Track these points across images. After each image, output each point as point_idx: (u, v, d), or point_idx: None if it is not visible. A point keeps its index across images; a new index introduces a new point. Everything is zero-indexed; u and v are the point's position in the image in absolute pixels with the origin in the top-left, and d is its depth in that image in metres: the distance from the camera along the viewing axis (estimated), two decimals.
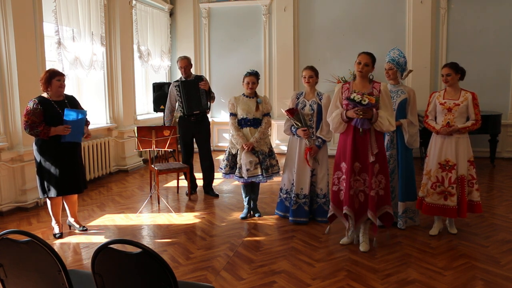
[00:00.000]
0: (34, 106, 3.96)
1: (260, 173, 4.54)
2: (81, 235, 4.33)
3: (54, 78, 4.03)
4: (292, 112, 4.39)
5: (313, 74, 4.53)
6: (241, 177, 4.57)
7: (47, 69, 4.64)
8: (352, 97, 3.61)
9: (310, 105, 4.50)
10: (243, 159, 4.51)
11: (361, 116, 3.60)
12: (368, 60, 3.73)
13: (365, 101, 3.54)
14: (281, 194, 4.75)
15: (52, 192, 4.09)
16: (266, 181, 4.66)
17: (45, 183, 4.10)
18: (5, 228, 4.10)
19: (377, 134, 3.75)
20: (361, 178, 3.78)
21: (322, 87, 7.87)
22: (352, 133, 3.73)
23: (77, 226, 4.42)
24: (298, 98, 4.58)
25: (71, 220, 4.46)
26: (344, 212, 3.80)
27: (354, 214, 3.80)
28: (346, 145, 3.79)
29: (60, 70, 5.58)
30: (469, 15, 7.99)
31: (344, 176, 3.82)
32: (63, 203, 4.38)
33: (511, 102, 7.92)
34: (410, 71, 4.54)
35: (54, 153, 4.06)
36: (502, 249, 3.86)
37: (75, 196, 4.40)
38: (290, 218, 4.59)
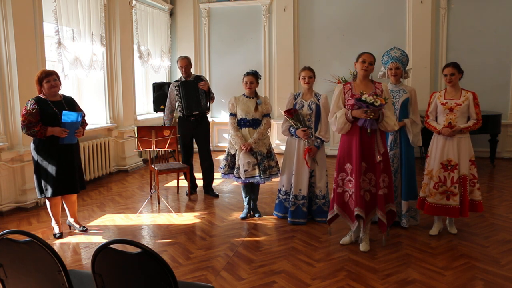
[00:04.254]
0: (31, 106, 3.96)
1: (257, 174, 4.53)
2: (81, 235, 4.33)
3: (43, 81, 4.02)
4: (291, 113, 4.38)
5: (312, 74, 4.54)
6: (239, 177, 4.57)
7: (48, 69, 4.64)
8: (363, 98, 3.56)
9: (309, 106, 4.49)
10: (241, 160, 4.51)
11: (371, 117, 3.57)
12: (372, 59, 3.76)
13: (377, 102, 3.52)
14: (279, 195, 4.74)
15: (49, 192, 4.08)
16: (264, 182, 4.65)
17: (42, 183, 4.10)
18: (5, 228, 4.10)
19: (382, 133, 3.76)
20: (366, 178, 3.75)
21: (322, 87, 7.89)
22: (358, 134, 3.69)
23: (77, 226, 4.42)
24: (295, 99, 4.58)
25: (70, 220, 4.45)
26: (356, 213, 3.70)
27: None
28: (352, 146, 3.73)
29: (60, 70, 5.61)
30: (469, 15, 7.99)
31: (349, 177, 3.77)
32: (62, 203, 4.38)
33: (511, 102, 7.92)
34: (410, 69, 4.54)
35: (51, 153, 4.06)
36: (502, 249, 3.86)
37: (74, 196, 4.39)
38: (288, 219, 4.58)
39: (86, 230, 4.41)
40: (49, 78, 4.03)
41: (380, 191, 3.71)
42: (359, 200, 3.68)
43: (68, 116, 4.03)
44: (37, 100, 4.02)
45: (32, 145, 4.11)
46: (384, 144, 3.78)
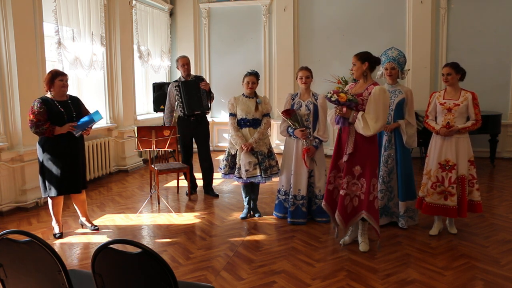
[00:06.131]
0: (38, 105, 3.99)
1: (259, 174, 4.53)
2: (81, 235, 4.33)
3: (56, 78, 4.07)
4: (289, 113, 4.38)
5: (309, 74, 4.54)
6: (240, 177, 4.57)
7: (48, 69, 4.66)
8: (327, 93, 3.68)
9: (306, 106, 4.49)
10: (242, 160, 4.51)
11: (337, 113, 3.67)
12: (354, 59, 3.74)
13: (334, 97, 3.57)
14: (279, 195, 4.74)
15: (52, 192, 4.10)
16: (265, 182, 4.66)
17: (46, 182, 4.11)
18: (5, 228, 4.10)
19: (361, 137, 3.65)
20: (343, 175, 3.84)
21: (322, 87, 7.85)
22: (338, 131, 3.85)
23: (89, 225, 4.44)
24: (293, 99, 4.58)
25: (82, 219, 4.48)
26: (322, 205, 3.99)
27: (331, 209, 3.90)
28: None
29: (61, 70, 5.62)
30: (469, 15, 7.99)
31: (339, 174, 3.88)
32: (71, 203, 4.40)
33: (511, 102, 7.92)
34: (407, 70, 4.54)
35: (56, 153, 4.08)
36: (502, 249, 3.86)
37: (83, 195, 4.40)
38: (288, 219, 4.58)
39: (98, 229, 4.43)
40: (63, 77, 4.11)
41: (341, 191, 3.76)
42: (326, 194, 3.94)
43: (97, 115, 4.18)
44: (43, 100, 4.05)
45: (38, 145, 4.13)
46: (365, 148, 3.67)
